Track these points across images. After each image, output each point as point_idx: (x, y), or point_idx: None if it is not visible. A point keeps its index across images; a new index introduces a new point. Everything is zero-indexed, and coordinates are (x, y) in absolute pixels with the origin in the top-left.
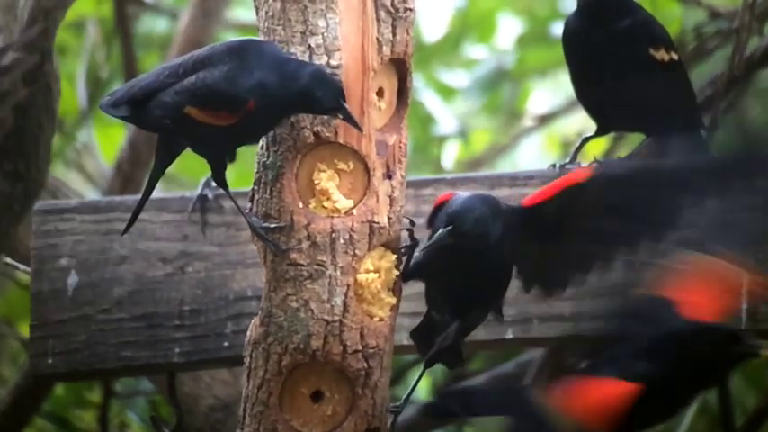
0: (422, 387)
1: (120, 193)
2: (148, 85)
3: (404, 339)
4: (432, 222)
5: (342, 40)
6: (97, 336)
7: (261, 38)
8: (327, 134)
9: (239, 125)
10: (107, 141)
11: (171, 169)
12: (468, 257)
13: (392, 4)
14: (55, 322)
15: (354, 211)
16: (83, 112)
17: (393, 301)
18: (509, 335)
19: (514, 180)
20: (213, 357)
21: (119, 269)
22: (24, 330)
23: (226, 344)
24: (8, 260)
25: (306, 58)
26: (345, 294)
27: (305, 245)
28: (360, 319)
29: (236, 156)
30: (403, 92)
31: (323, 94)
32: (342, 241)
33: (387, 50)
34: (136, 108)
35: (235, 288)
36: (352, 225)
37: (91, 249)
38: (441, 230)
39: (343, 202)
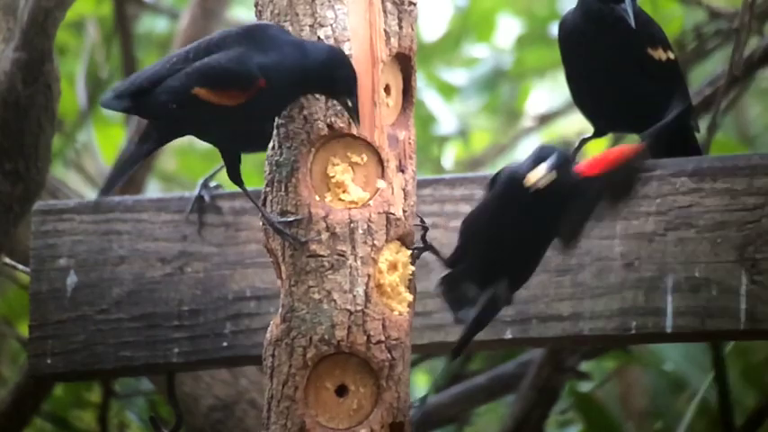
0: (420, 386)
1: (119, 194)
2: (155, 74)
3: None
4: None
5: (350, 31)
6: (96, 336)
7: None
8: (341, 125)
9: (249, 105)
10: (107, 141)
11: (171, 169)
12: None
13: None
14: (54, 322)
15: (371, 202)
16: (83, 112)
17: (410, 297)
18: (509, 335)
19: None
20: (212, 357)
21: (118, 269)
22: (24, 330)
23: (224, 344)
24: (7, 260)
25: None
26: (366, 285)
27: (324, 236)
28: (381, 310)
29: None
30: (408, 91)
31: (342, 75)
32: (361, 231)
33: (394, 42)
34: (140, 98)
35: (234, 288)
36: (370, 216)
37: (90, 250)
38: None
39: (360, 194)
